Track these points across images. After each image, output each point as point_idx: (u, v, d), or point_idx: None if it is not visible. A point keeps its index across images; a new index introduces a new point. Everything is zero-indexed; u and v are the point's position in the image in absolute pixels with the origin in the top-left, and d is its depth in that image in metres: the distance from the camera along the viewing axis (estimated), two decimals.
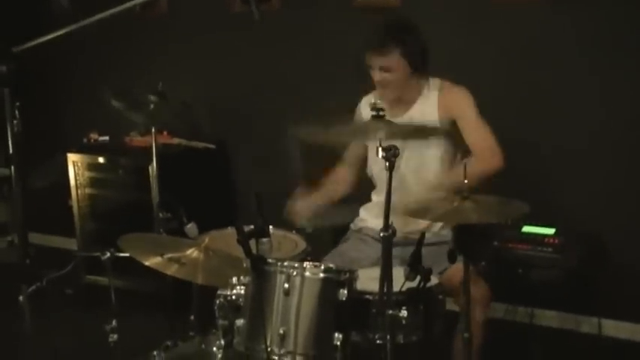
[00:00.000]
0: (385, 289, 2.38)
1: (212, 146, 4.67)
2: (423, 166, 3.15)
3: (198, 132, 4.70)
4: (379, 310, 2.43)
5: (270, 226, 2.59)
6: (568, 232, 3.47)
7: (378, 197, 3.29)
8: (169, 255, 2.66)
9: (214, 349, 2.62)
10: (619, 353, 3.79)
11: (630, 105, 3.74)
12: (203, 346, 2.70)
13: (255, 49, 4.59)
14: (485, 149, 3.06)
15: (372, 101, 2.44)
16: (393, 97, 3.11)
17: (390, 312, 2.40)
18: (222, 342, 2.59)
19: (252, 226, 2.46)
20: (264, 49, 4.58)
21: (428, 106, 3.16)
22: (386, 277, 2.37)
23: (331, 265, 2.49)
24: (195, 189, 4.39)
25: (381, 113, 2.42)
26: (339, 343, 2.39)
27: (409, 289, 2.51)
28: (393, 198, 2.91)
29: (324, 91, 4.24)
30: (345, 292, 2.41)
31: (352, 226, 3.40)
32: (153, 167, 3.62)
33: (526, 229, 3.55)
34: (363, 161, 3.38)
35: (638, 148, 3.75)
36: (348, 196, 3.44)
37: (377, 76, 3.08)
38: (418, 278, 2.50)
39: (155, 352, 2.65)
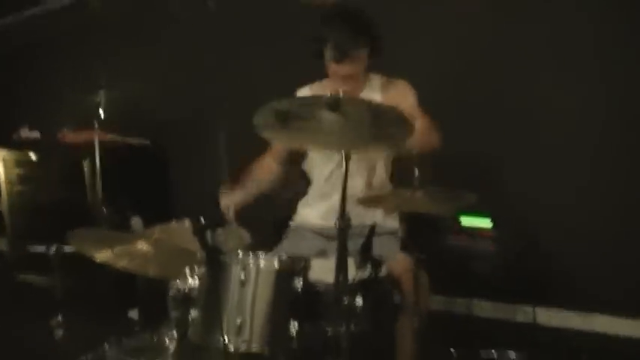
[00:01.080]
0: (341, 278, 2.38)
1: (147, 142, 4.61)
2: (371, 162, 3.19)
3: (132, 128, 4.64)
4: (336, 298, 2.42)
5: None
6: (504, 223, 3.54)
7: (318, 192, 3.29)
8: (121, 248, 2.60)
9: (167, 341, 2.56)
10: (553, 340, 3.89)
11: (576, 100, 3.85)
12: (155, 338, 2.65)
13: (196, 45, 4.54)
14: (424, 129, 3.07)
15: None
16: (352, 90, 3.08)
17: (346, 301, 2.40)
18: (175, 334, 2.53)
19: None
20: (204, 46, 4.54)
21: (374, 99, 3.14)
22: (342, 266, 2.37)
23: (285, 255, 2.47)
24: (131, 185, 4.33)
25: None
26: (294, 332, 2.40)
27: (361, 279, 2.53)
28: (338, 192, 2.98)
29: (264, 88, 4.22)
30: (300, 281, 2.41)
31: (291, 223, 3.39)
32: (95, 163, 3.56)
33: (464, 220, 3.60)
34: (294, 155, 3.36)
35: (575, 141, 3.85)
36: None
37: (346, 69, 3.03)
38: (369, 268, 2.52)
39: (106, 346, 2.59)
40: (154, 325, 2.88)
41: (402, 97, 3.14)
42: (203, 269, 2.49)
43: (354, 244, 2.88)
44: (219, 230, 2.41)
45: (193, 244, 2.72)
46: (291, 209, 3.48)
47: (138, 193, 4.13)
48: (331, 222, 3.08)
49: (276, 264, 2.45)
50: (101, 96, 3.36)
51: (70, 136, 4.68)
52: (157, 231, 2.79)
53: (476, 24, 3.99)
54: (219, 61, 4.51)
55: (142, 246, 2.68)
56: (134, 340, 2.69)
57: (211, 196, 3.53)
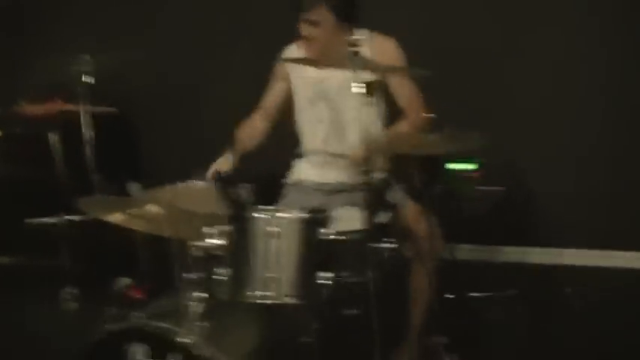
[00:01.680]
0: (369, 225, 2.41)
1: (114, 110, 4.48)
2: (363, 117, 3.18)
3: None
4: (363, 245, 2.44)
5: None
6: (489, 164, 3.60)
7: (310, 148, 3.28)
8: (133, 211, 2.55)
9: (191, 302, 2.52)
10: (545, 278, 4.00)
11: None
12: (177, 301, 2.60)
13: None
14: (414, 107, 3.12)
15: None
16: (319, 53, 3.06)
17: (375, 245, 2.42)
18: (200, 294, 2.50)
19: None
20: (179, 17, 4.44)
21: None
22: (369, 213, 2.41)
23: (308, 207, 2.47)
24: (105, 155, 4.23)
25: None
26: (323, 282, 2.40)
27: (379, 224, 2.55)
28: (335, 146, 2.99)
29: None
30: (325, 230, 2.41)
31: (287, 180, 3.37)
32: (71, 134, 3.44)
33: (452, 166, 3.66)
34: (281, 111, 3.36)
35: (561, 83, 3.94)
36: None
37: (304, 30, 3.01)
38: (387, 214, 2.55)
39: (135, 314, 2.54)
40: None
41: (388, 57, 3.11)
42: (227, 226, 2.42)
43: (352, 197, 2.92)
44: (243, 185, 2.37)
45: (205, 205, 2.70)
46: (281, 167, 3.44)
47: (115, 163, 4.04)
48: (329, 178, 3.14)
49: (301, 214, 2.42)
50: (85, 63, 3.21)
51: (29, 108, 4.51)
52: (166, 193, 2.74)
53: None
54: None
55: (153, 209, 2.62)
56: (158, 306, 2.62)
57: (188, 160, 3.49)
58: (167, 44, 4.45)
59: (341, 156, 3.13)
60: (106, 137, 4.39)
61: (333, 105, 3.14)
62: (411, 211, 2.91)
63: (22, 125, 4.44)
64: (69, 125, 4.32)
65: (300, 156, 3.35)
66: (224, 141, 3.19)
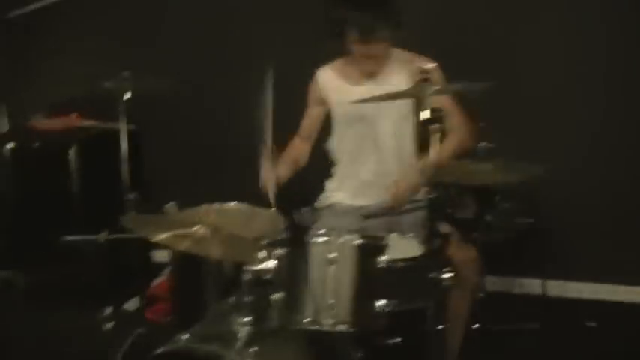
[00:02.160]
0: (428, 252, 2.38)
1: (132, 127, 4.41)
2: (401, 138, 3.17)
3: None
4: (421, 273, 2.41)
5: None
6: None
7: (346, 171, 3.26)
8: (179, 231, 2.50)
9: (237, 327, 2.46)
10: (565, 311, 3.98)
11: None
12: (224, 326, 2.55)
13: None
14: (462, 127, 3.13)
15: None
16: (377, 69, 3.11)
17: (434, 275, 2.38)
18: (249, 319, 2.45)
19: None
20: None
21: (401, 74, 3.15)
22: (429, 240, 2.40)
23: (368, 233, 2.44)
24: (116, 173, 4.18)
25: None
26: (380, 310, 2.36)
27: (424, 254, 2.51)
28: (373, 167, 2.96)
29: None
30: (384, 258, 2.37)
31: (318, 205, 3.33)
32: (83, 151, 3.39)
33: None
34: (317, 134, 3.35)
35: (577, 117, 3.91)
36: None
37: (373, 50, 3.02)
38: (434, 242, 2.52)
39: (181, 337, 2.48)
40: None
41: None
42: (281, 250, 2.38)
43: (401, 220, 2.89)
44: (304, 209, 2.34)
45: (250, 228, 2.65)
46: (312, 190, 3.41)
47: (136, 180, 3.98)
48: (362, 201, 3.11)
49: (360, 241, 2.39)
50: (125, 79, 3.16)
51: (46, 122, 4.45)
52: (212, 214, 2.69)
53: None
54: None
55: (200, 230, 2.57)
56: (202, 328, 2.56)
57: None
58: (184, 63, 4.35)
59: (378, 179, 3.10)
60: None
61: (372, 126, 3.15)
62: (454, 240, 2.88)
63: (39, 139, 4.35)
64: (88, 141, 4.26)
65: (332, 178, 3.32)
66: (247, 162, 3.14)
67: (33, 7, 4.15)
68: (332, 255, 2.33)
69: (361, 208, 3.15)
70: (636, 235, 4.01)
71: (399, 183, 2.99)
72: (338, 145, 3.27)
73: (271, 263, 2.44)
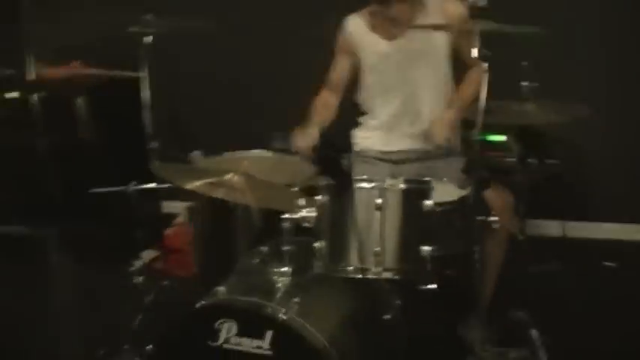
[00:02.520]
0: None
1: (140, 74, 4.27)
2: (435, 85, 3.09)
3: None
4: (463, 218, 2.37)
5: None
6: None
7: (376, 118, 3.19)
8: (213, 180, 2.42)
9: (276, 277, 2.39)
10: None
11: None
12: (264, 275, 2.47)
13: None
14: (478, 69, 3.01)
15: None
16: (407, 17, 2.99)
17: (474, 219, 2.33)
18: (288, 269, 2.37)
19: None
20: None
21: (433, 21, 3.03)
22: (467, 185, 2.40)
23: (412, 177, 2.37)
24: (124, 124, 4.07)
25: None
26: (427, 254, 2.30)
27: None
28: (406, 115, 2.87)
29: None
30: (430, 202, 2.30)
31: (352, 150, 3.24)
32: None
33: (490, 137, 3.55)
34: (348, 84, 3.25)
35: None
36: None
37: (393, 11, 2.93)
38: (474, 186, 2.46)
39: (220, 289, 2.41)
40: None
41: (458, 16, 2.99)
42: (323, 197, 2.30)
43: (435, 165, 2.82)
44: (346, 156, 2.25)
45: (281, 175, 2.58)
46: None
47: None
48: (396, 147, 3.03)
49: (406, 185, 2.32)
50: (147, 23, 3.02)
51: (50, 72, 4.31)
52: (237, 162, 2.60)
53: None
54: None
55: (233, 177, 2.49)
56: (240, 280, 2.49)
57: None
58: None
59: (413, 124, 3.02)
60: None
61: (403, 73, 3.05)
62: (493, 184, 2.82)
63: (45, 89, 4.22)
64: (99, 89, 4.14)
65: (362, 125, 3.23)
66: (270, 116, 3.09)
67: None
68: (378, 201, 2.23)
69: (392, 153, 3.06)
70: None
71: (437, 121, 2.89)
72: (367, 94, 3.17)
73: (312, 211, 2.33)
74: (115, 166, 3.99)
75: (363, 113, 3.21)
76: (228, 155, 2.93)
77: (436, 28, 2.88)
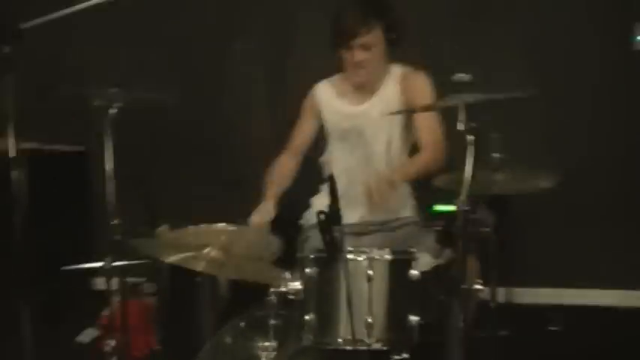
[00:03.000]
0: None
1: (80, 149, 4.21)
2: (393, 152, 3.17)
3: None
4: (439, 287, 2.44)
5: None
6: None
7: (339, 186, 3.18)
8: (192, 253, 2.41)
9: (260, 352, 2.38)
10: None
11: None
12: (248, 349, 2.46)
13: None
14: (435, 144, 3.07)
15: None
16: (366, 80, 3.06)
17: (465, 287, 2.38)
18: (274, 343, 2.37)
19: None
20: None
21: (390, 94, 3.12)
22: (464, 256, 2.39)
23: (396, 248, 2.41)
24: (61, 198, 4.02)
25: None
26: (414, 324, 2.34)
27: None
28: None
29: None
30: (416, 272, 2.35)
31: (304, 222, 3.24)
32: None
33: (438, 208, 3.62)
34: (308, 149, 3.29)
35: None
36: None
37: (358, 55, 2.97)
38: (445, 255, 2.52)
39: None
40: None
41: (418, 93, 3.10)
42: (310, 269, 2.32)
43: (393, 236, 2.87)
44: (337, 228, 2.27)
45: (256, 248, 2.57)
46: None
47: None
48: (354, 218, 3.06)
49: (392, 256, 2.37)
50: (113, 96, 2.99)
51: None
52: (222, 235, 2.59)
53: None
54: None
55: (211, 252, 2.48)
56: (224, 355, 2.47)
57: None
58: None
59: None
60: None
61: (365, 139, 3.11)
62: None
63: None
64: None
65: (320, 193, 3.24)
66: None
67: None
68: (370, 272, 2.26)
69: (352, 225, 3.07)
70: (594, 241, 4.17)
71: (376, 180, 2.86)
72: (331, 160, 3.21)
73: (297, 284, 2.34)
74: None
75: (322, 180, 3.20)
76: (192, 229, 2.89)
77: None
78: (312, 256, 2.34)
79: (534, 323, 4.03)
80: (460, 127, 2.27)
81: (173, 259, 2.43)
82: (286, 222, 3.21)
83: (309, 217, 3.20)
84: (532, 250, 4.11)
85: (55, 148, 4.20)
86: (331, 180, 2.25)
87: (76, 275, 3.55)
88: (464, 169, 2.38)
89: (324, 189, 3.21)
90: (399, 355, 2.41)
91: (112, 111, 2.91)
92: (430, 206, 3.55)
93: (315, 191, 3.27)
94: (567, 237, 4.24)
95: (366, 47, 2.97)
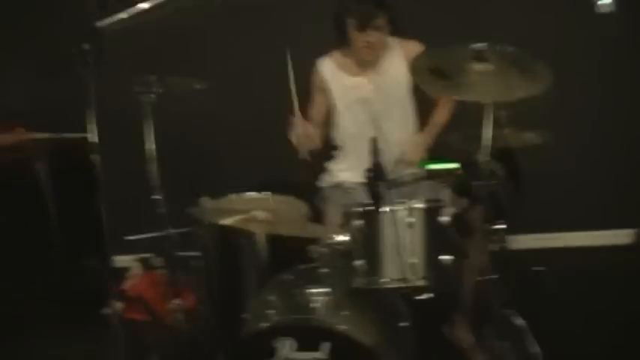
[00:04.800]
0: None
1: (85, 135, 4.42)
2: (402, 115, 3.56)
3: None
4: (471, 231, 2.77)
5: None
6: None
7: (350, 152, 3.60)
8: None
9: (315, 298, 2.71)
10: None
11: None
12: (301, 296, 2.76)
13: None
14: (447, 102, 3.57)
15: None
16: (375, 58, 3.44)
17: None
18: (326, 289, 2.71)
19: None
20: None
21: (395, 60, 3.51)
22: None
23: (428, 197, 2.76)
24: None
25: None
26: (449, 263, 2.68)
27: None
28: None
29: None
30: (446, 218, 2.70)
31: (322, 183, 3.63)
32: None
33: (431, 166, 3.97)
34: (325, 119, 3.62)
35: None
36: None
37: (371, 37, 3.34)
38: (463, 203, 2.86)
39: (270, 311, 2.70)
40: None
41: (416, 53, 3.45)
42: (358, 221, 2.65)
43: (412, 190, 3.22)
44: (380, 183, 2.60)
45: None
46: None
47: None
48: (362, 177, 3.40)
49: (427, 204, 2.70)
50: (152, 84, 3.27)
51: None
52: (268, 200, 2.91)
53: None
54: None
55: (261, 215, 2.80)
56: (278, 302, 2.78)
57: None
58: None
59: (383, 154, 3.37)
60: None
61: (372, 107, 3.47)
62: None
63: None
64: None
65: (337, 159, 3.62)
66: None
67: None
68: (410, 219, 2.60)
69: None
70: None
71: (412, 144, 3.41)
72: (340, 129, 3.56)
73: (343, 236, 2.67)
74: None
75: (335, 147, 3.55)
76: (232, 197, 3.21)
77: None
78: (359, 209, 2.64)
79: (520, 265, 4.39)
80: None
81: (228, 221, 2.75)
82: (307, 185, 3.54)
83: (327, 180, 3.56)
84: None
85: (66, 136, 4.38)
86: (373, 142, 2.57)
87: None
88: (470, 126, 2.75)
89: (343, 154, 3.54)
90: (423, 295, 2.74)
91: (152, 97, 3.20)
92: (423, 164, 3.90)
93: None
94: (546, 189, 4.60)
95: (379, 28, 3.31)
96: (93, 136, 2.67)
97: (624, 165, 4.69)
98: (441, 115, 3.52)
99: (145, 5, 2.49)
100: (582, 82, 4.53)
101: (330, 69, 3.48)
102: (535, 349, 2.99)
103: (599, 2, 4.26)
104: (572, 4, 4.42)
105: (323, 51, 3.56)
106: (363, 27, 3.29)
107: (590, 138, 4.63)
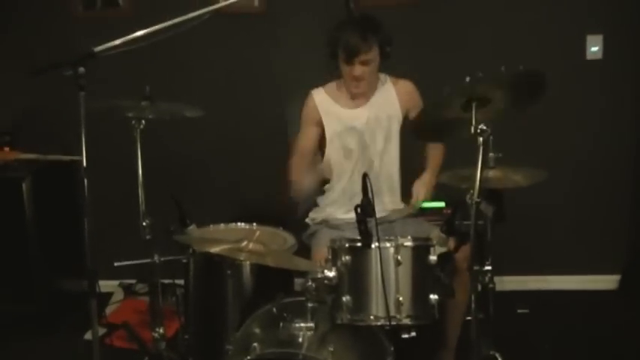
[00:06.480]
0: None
1: (77, 158, 4.42)
2: (389, 155, 3.56)
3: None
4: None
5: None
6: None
7: (339, 187, 3.56)
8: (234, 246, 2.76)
9: (299, 332, 2.71)
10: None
11: None
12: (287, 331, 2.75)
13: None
14: (441, 144, 3.58)
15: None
16: (364, 91, 3.43)
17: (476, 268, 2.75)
18: (311, 324, 2.70)
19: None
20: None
21: (388, 96, 3.51)
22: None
23: (418, 236, 2.74)
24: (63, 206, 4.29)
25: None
26: (435, 303, 2.67)
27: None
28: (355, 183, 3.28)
29: None
30: (434, 257, 2.70)
31: (309, 220, 3.61)
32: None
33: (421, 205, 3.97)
34: (315, 152, 3.60)
35: None
36: None
37: (357, 70, 3.32)
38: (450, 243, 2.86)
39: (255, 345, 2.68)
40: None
41: (411, 95, 3.54)
42: (345, 257, 2.64)
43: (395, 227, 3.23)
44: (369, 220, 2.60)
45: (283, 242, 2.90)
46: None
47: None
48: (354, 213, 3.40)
49: (416, 243, 2.68)
50: (143, 109, 3.27)
51: None
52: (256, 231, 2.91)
53: None
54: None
55: (250, 245, 2.80)
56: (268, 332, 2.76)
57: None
58: None
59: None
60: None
61: (362, 139, 3.46)
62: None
63: None
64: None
65: (325, 193, 3.60)
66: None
67: None
68: (398, 257, 2.59)
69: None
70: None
71: (419, 183, 3.42)
72: (331, 163, 3.52)
73: (330, 271, 2.66)
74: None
75: (325, 183, 3.55)
76: (213, 228, 3.23)
77: None
78: (347, 245, 2.63)
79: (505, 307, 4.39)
80: (472, 130, 2.63)
81: (217, 250, 2.73)
82: (295, 221, 3.53)
83: (315, 216, 3.54)
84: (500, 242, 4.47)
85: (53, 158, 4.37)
86: (364, 178, 2.57)
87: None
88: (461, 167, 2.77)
89: (333, 190, 3.53)
90: (407, 334, 2.73)
91: (142, 122, 3.20)
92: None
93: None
94: (532, 231, 4.63)
95: (365, 63, 3.31)
96: (82, 159, 2.53)
97: (611, 210, 4.71)
98: (437, 156, 3.53)
99: (139, 33, 2.47)
100: (570, 125, 4.55)
101: (323, 100, 3.47)
102: None
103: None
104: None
105: (319, 80, 3.56)
106: (350, 60, 3.27)
107: (578, 181, 4.65)
